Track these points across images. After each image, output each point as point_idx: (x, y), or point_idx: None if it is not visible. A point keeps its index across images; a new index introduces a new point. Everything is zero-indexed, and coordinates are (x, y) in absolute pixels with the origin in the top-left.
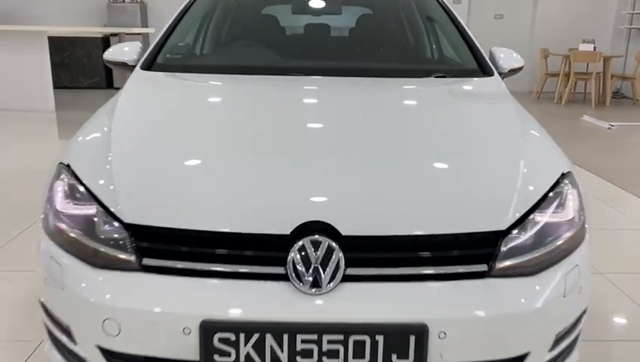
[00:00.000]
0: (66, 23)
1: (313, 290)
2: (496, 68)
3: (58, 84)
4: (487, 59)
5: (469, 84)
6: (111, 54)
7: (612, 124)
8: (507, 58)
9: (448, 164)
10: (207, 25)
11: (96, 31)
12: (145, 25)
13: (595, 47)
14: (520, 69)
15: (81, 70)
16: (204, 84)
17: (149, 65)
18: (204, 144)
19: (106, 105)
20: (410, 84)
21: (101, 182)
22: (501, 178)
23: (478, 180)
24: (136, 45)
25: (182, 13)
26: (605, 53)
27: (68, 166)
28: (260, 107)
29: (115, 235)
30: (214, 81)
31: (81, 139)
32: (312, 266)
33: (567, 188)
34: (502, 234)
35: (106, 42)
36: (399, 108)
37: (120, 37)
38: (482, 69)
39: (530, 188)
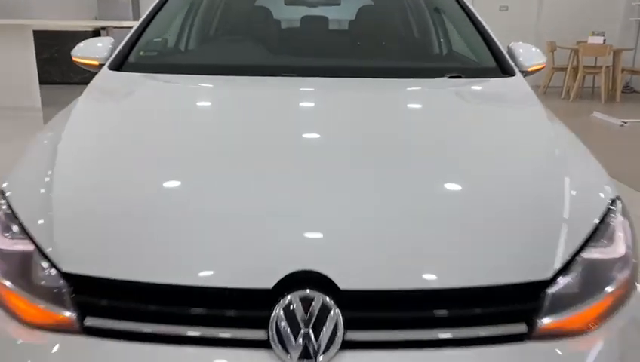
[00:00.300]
0: (56, 16)
1: None
2: (516, 66)
3: (47, 80)
4: (507, 56)
5: (489, 87)
6: (80, 51)
7: (625, 120)
8: (527, 54)
9: (473, 194)
10: (193, 17)
11: (84, 25)
12: (137, 18)
13: (604, 40)
14: (542, 67)
15: (72, 65)
16: (179, 90)
17: (119, 64)
18: (169, 171)
19: (62, 113)
20: (421, 88)
21: (38, 217)
22: (541, 208)
23: (511, 213)
24: (111, 41)
25: (161, 4)
26: (615, 46)
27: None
28: (243, 120)
29: (51, 286)
30: (193, 84)
31: (24, 158)
32: (302, 330)
33: (617, 219)
34: (545, 285)
35: (97, 36)
36: (410, 121)
37: (108, 31)
38: (502, 67)
39: (578, 220)
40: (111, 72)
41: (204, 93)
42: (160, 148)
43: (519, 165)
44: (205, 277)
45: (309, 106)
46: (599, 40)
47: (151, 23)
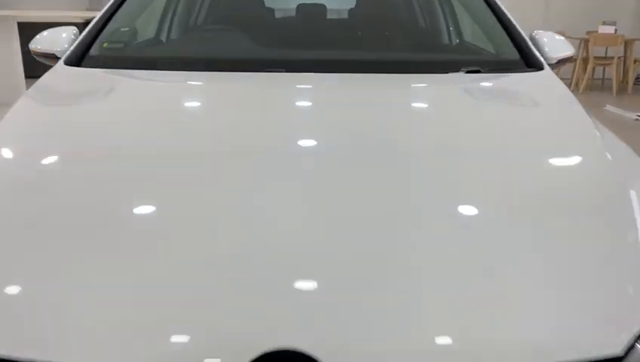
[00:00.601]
0: (46, 7)
1: None
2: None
3: (35, 74)
4: (532, 46)
5: (515, 83)
6: (39, 43)
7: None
8: (553, 44)
9: (512, 239)
10: (175, 4)
11: (73, 16)
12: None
13: (615, 30)
14: (569, 59)
15: None
16: (146, 92)
17: (78, 59)
18: (115, 214)
19: None
20: (435, 86)
21: None
22: (605, 257)
23: (564, 265)
24: (74, 31)
25: None
26: (627, 35)
27: None
28: (219, 140)
29: None
30: (164, 83)
31: None
32: None
33: None
34: None
35: None
36: (427, 132)
37: None
38: (527, 60)
39: None
40: (66, 67)
41: (173, 95)
42: (114, 175)
43: (569, 193)
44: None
45: (307, 114)
46: (610, 30)
47: (119, 8)
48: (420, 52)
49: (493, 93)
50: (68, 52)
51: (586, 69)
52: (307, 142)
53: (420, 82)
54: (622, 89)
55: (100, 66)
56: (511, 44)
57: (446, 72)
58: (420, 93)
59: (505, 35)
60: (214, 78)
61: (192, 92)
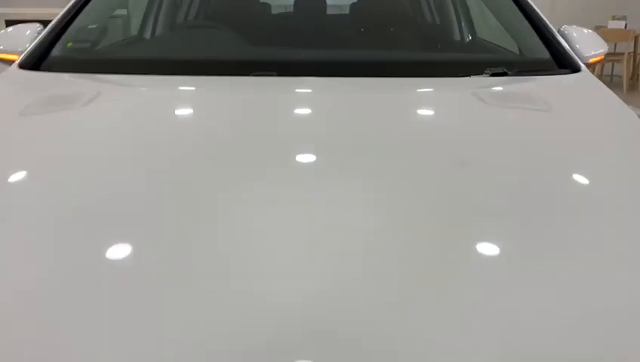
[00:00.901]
0: (40, 4)
1: None
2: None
3: None
4: (565, 44)
5: (554, 88)
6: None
7: None
8: (585, 41)
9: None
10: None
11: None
12: (124, 5)
13: (626, 25)
14: (601, 59)
15: None
16: (111, 104)
17: (36, 61)
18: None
19: None
20: (459, 92)
21: None
22: None
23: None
24: (37, 28)
25: None
26: (638, 30)
27: None
28: (207, 167)
29: None
30: (134, 89)
31: None
32: None
33: None
34: None
35: None
36: (458, 158)
37: None
38: (559, 59)
39: None
40: (21, 71)
41: (144, 107)
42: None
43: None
44: None
45: (306, 131)
46: (620, 25)
47: (89, 2)
48: (434, 51)
49: (529, 100)
50: (24, 53)
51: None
52: (310, 170)
53: (438, 88)
54: (632, 86)
55: (62, 70)
56: (539, 42)
57: (467, 74)
58: (441, 102)
59: (531, 31)
60: (199, 84)
61: (169, 103)
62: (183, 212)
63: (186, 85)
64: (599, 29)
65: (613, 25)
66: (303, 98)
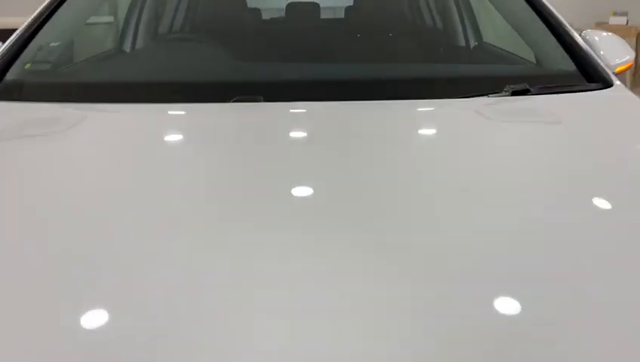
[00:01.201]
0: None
1: None
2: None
3: None
4: (593, 54)
5: (588, 109)
6: None
7: None
8: (610, 48)
9: None
10: (140, 9)
11: None
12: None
13: (627, 21)
14: (628, 67)
15: None
16: (64, 143)
17: None
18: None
19: None
20: (478, 120)
21: None
22: None
23: None
24: None
25: None
26: None
27: None
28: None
29: None
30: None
31: None
32: None
33: None
34: None
35: None
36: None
37: None
38: (587, 72)
39: None
40: None
41: (107, 146)
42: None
43: None
44: None
45: (302, 189)
46: (622, 20)
47: (52, 15)
48: (440, 59)
49: (563, 129)
50: None
51: None
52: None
53: (455, 115)
54: (635, 84)
55: (17, 98)
56: (560, 50)
57: (484, 93)
58: (459, 136)
59: (549, 37)
60: (170, 117)
61: (134, 142)
62: (163, 284)
63: (154, 116)
64: (600, 26)
65: (615, 21)
66: (294, 134)
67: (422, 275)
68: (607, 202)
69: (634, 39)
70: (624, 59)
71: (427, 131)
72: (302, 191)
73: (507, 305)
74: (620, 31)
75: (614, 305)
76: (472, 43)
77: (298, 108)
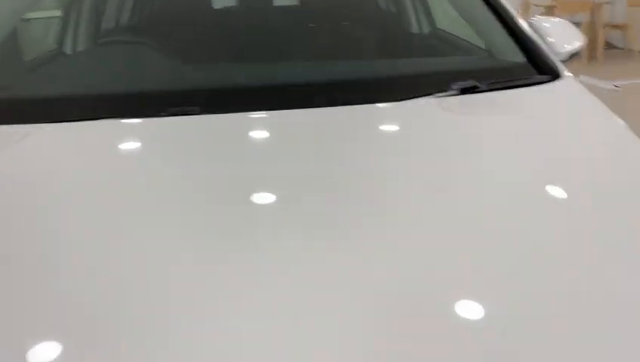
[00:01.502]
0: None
1: None
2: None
3: None
4: (542, 44)
5: (539, 106)
6: None
7: (617, 84)
8: (560, 34)
9: None
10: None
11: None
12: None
13: None
14: (578, 53)
15: None
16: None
17: None
18: None
19: None
20: (430, 126)
21: None
22: None
23: None
24: None
25: None
26: (595, 0)
27: None
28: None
29: None
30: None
31: None
32: None
33: None
34: None
35: None
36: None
37: None
38: (537, 63)
39: None
40: None
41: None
42: None
43: None
44: None
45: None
46: None
47: None
48: (394, 58)
49: (512, 129)
50: None
51: None
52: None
53: (404, 120)
54: (591, 56)
55: None
56: (511, 42)
57: (430, 92)
58: (408, 144)
59: (499, 28)
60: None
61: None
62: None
63: (69, 137)
64: (557, 0)
65: None
66: (238, 153)
67: (389, 272)
68: (559, 191)
69: (589, 12)
70: (575, 47)
71: (372, 140)
72: (265, 199)
73: (490, 303)
74: (576, 5)
75: (572, 294)
76: (425, 30)
77: (239, 125)
